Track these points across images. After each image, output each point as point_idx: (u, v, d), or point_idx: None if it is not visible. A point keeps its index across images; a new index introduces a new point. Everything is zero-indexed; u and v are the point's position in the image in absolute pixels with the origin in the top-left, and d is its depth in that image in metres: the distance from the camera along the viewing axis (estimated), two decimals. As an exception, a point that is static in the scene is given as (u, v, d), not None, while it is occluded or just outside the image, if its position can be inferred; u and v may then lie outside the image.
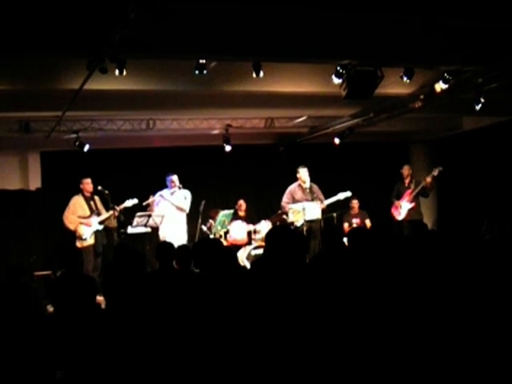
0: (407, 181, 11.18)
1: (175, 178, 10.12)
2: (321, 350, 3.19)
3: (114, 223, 9.89)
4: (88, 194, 9.81)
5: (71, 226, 9.60)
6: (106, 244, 9.90)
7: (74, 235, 9.59)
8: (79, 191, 9.84)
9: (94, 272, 9.17)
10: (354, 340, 3.29)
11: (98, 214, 9.73)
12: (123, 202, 9.80)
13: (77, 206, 9.72)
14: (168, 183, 10.16)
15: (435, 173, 10.82)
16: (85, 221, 9.61)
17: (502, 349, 3.24)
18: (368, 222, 11.75)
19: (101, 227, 9.76)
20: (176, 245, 6.11)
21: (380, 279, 3.80)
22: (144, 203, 10.06)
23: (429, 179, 10.84)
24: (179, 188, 10.08)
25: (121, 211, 9.71)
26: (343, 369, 3.17)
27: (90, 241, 9.59)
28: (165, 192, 10.17)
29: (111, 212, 9.69)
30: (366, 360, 3.20)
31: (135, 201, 9.86)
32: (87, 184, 9.81)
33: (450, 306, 3.51)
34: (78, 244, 9.51)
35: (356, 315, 3.43)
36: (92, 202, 9.80)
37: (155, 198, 10.12)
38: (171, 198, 10.09)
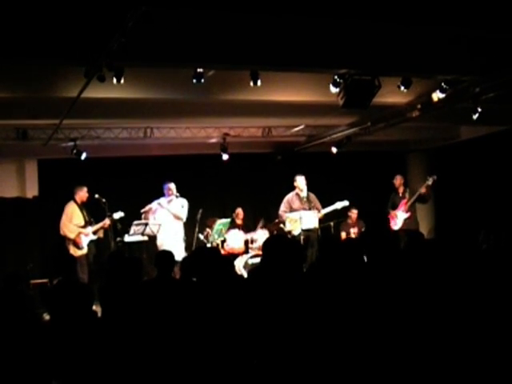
0: (401, 190, 11.17)
1: (172, 186, 10.11)
2: (317, 359, 3.18)
3: (101, 233, 9.89)
4: (80, 203, 9.76)
5: (71, 235, 9.50)
6: (96, 254, 9.86)
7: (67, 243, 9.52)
8: (73, 199, 9.76)
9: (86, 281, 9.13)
10: (350, 349, 3.27)
11: (92, 224, 9.71)
12: (119, 210, 9.82)
13: (74, 213, 9.65)
14: (165, 191, 10.14)
15: (429, 182, 10.81)
16: (84, 230, 9.57)
17: (501, 358, 3.23)
18: (365, 232, 11.72)
19: (95, 237, 9.75)
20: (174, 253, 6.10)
21: (377, 289, 3.78)
22: (142, 210, 10.06)
23: (423, 190, 10.84)
24: (176, 196, 10.07)
25: (111, 223, 9.71)
26: (340, 379, 3.16)
27: (84, 250, 9.56)
28: (162, 200, 10.15)
29: (103, 222, 9.69)
30: (363, 371, 3.19)
31: (121, 214, 9.84)
32: (85, 192, 9.78)
33: (448, 316, 3.50)
34: (72, 253, 9.33)
35: (353, 325, 3.42)
36: (84, 211, 9.77)
37: (152, 206, 10.09)
38: (169, 206, 10.07)
